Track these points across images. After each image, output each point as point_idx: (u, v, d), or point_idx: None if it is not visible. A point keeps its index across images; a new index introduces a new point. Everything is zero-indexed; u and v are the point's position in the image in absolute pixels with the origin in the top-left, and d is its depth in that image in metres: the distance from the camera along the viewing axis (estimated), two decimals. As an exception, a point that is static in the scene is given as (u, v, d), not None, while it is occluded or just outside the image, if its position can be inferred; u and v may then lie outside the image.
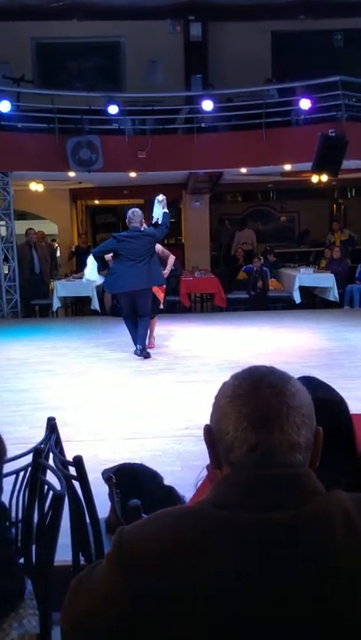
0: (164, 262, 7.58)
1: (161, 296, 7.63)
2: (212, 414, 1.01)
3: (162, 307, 7.86)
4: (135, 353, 7.01)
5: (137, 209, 7.29)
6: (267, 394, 0.96)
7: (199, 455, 1.09)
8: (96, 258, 7.70)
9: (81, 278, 11.19)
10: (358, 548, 0.89)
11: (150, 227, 7.38)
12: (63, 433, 2.73)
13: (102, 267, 7.67)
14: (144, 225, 7.19)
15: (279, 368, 1.03)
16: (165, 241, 14.13)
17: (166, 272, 7.57)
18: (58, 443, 2.58)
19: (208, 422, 1.02)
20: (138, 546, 0.93)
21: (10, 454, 2.01)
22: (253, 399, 0.96)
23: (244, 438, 0.94)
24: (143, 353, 7.01)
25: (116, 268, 7.02)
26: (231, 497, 0.93)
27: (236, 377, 1.02)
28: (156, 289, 7.36)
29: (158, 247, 7.37)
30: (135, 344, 7.06)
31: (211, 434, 1.01)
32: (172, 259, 7.82)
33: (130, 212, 7.18)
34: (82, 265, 11.10)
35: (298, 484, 0.94)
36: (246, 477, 0.94)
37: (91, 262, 7.95)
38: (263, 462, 0.93)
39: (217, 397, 1.02)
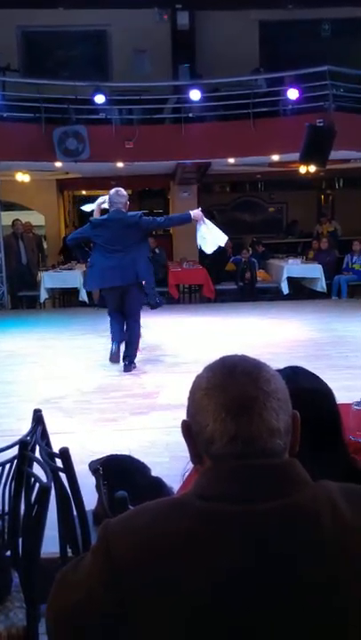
0: None
1: None
2: (188, 408, 0.99)
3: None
4: (111, 358, 6.18)
5: (121, 189, 6.22)
6: (242, 382, 0.95)
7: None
8: (73, 248, 6.69)
9: (70, 269, 11.14)
10: (345, 535, 0.89)
11: None
12: (50, 425, 2.72)
13: (83, 258, 6.68)
14: None
15: (267, 359, 1.02)
16: (154, 232, 14.17)
17: None
18: (44, 435, 2.57)
19: (185, 418, 1.00)
20: (123, 539, 0.92)
21: (-5, 446, 2.00)
22: (229, 388, 0.95)
23: (224, 429, 0.93)
24: (130, 366, 6.18)
25: (92, 260, 6.15)
26: (215, 488, 0.92)
27: (209, 369, 1.00)
28: None
29: None
30: (112, 342, 6.20)
31: (189, 429, 0.98)
32: None
33: (112, 191, 6.10)
34: (71, 256, 11.05)
35: (282, 473, 0.93)
36: (229, 468, 0.92)
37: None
38: (245, 451, 0.92)
39: (192, 391, 0.99)
